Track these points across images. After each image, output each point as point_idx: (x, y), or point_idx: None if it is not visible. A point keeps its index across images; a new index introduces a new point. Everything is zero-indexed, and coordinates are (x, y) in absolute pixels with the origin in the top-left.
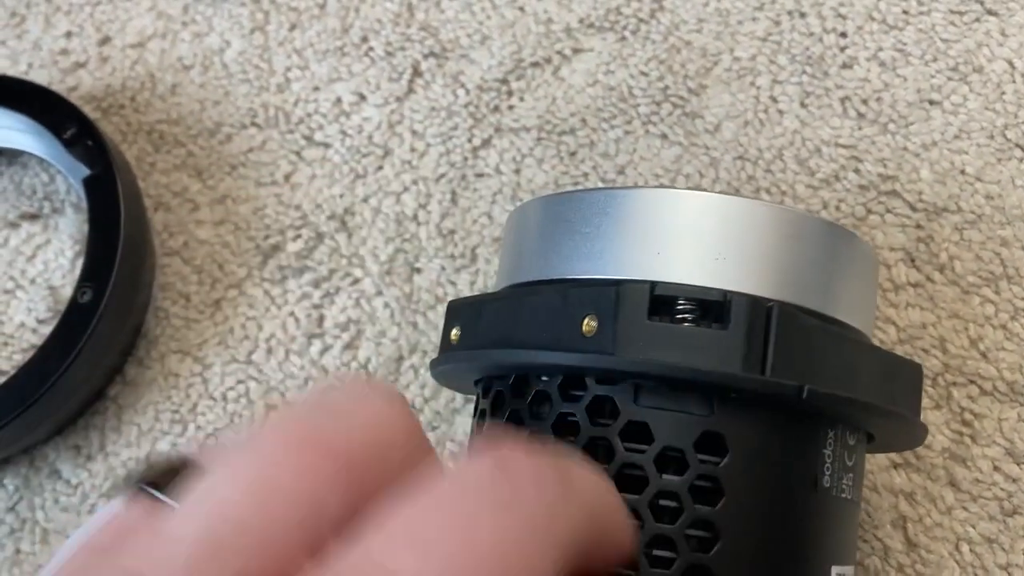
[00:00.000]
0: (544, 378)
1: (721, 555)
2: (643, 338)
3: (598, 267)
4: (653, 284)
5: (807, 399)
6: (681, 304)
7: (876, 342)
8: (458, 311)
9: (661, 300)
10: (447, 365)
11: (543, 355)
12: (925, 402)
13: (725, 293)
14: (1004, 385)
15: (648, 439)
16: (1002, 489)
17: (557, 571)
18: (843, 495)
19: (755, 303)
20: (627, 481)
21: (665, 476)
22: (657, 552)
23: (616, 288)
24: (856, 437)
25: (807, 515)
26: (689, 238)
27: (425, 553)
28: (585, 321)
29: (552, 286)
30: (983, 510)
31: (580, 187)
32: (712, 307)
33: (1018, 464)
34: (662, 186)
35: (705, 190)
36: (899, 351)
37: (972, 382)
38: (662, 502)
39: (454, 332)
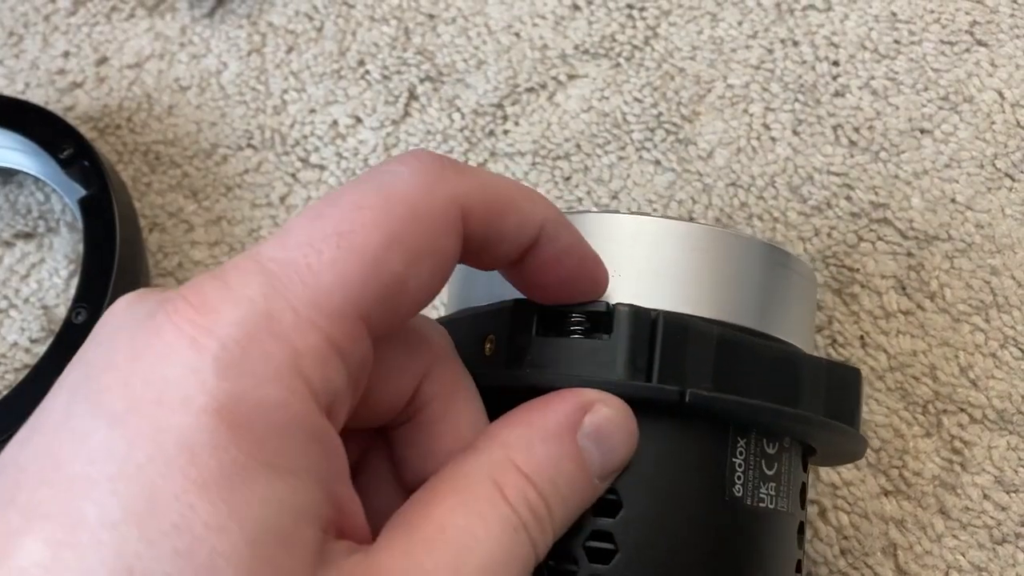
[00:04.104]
0: None
1: (620, 567)
2: (533, 354)
3: (509, 291)
4: None
5: (692, 403)
6: (572, 318)
7: (865, 368)
8: None
9: (551, 316)
10: None
11: None
12: (915, 429)
13: (607, 304)
14: (994, 413)
15: None
16: (992, 517)
17: None
18: (762, 504)
19: (638, 312)
20: None
21: None
22: (557, 565)
23: (509, 307)
24: (777, 445)
25: (716, 524)
26: None
27: None
28: (487, 342)
29: (471, 311)
30: (973, 538)
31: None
32: (602, 319)
33: (1008, 492)
34: (569, 211)
35: (617, 212)
36: (889, 378)
37: (962, 410)
38: None
39: None
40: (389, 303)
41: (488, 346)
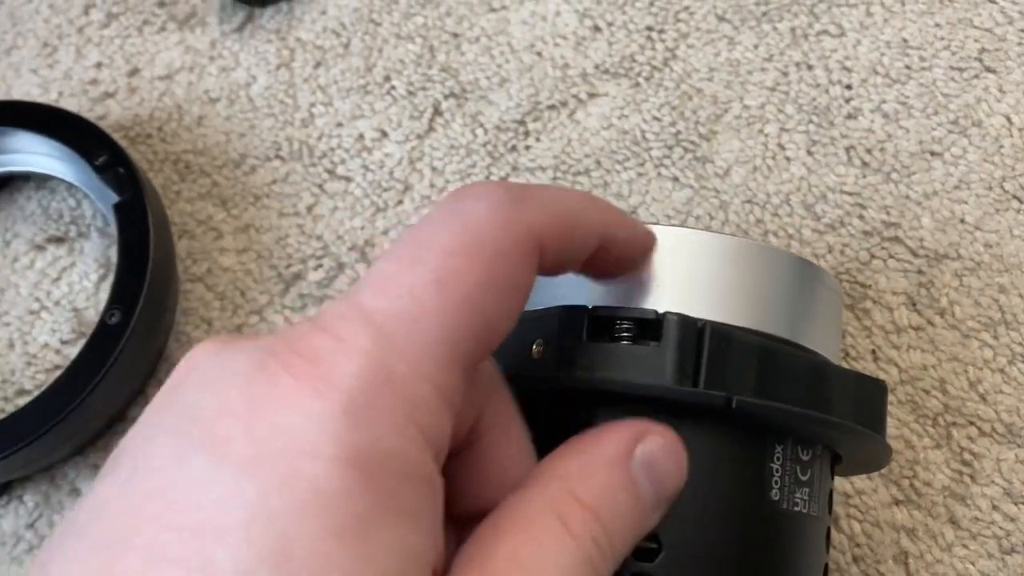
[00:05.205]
0: None
1: (664, 565)
2: (583, 357)
3: (555, 298)
4: (593, 307)
5: (738, 409)
6: (619, 324)
7: None
8: None
9: (600, 322)
10: None
11: None
12: (926, 441)
13: (657, 312)
14: (1002, 427)
15: None
16: (1001, 528)
17: None
18: (796, 508)
19: (686, 320)
20: None
21: None
22: None
23: (559, 313)
24: (811, 452)
25: (755, 526)
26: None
27: None
28: (535, 346)
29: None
30: (982, 548)
31: None
32: (649, 326)
33: (1016, 504)
34: None
35: (659, 223)
36: (900, 391)
37: (971, 423)
38: None
39: None
40: (482, 344)
41: (537, 349)
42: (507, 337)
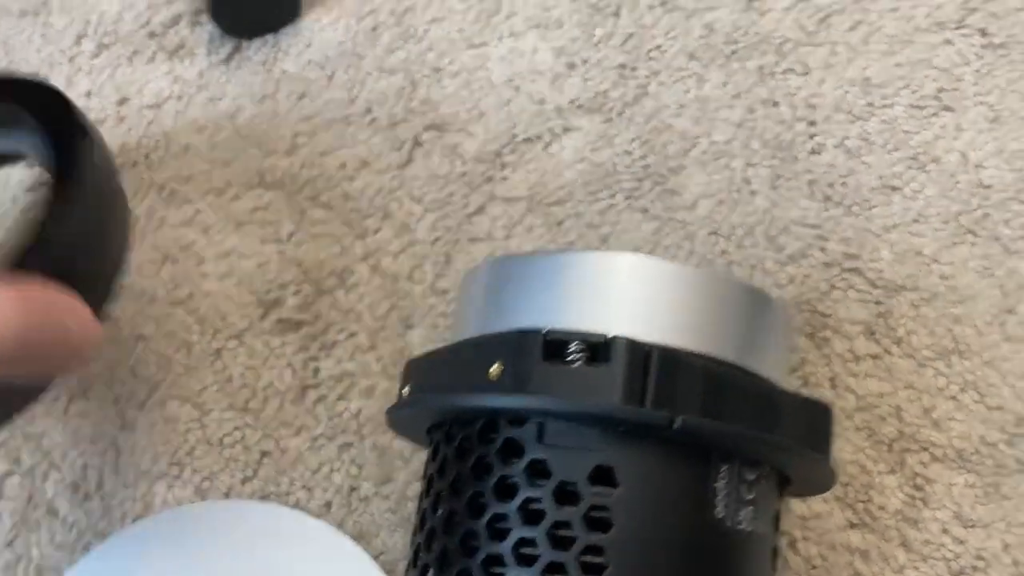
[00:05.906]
0: (470, 424)
1: None
2: (538, 378)
3: (510, 323)
4: (547, 331)
5: (681, 428)
6: (572, 347)
7: (834, 408)
8: (409, 368)
9: (554, 345)
10: (395, 415)
11: (454, 399)
12: (881, 466)
13: (607, 336)
14: (954, 452)
15: (547, 474)
16: (950, 550)
17: None
18: (740, 526)
19: (634, 344)
20: (529, 514)
21: (564, 507)
22: None
23: (516, 335)
24: (756, 473)
25: (698, 543)
26: (585, 294)
27: None
28: (493, 367)
29: (476, 339)
30: (932, 570)
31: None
32: (600, 349)
33: (965, 527)
34: (565, 250)
35: (614, 252)
36: (857, 418)
37: (925, 449)
38: (558, 532)
39: (405, 389)
40: None
41: (495, 370)
42: (467, 357)
